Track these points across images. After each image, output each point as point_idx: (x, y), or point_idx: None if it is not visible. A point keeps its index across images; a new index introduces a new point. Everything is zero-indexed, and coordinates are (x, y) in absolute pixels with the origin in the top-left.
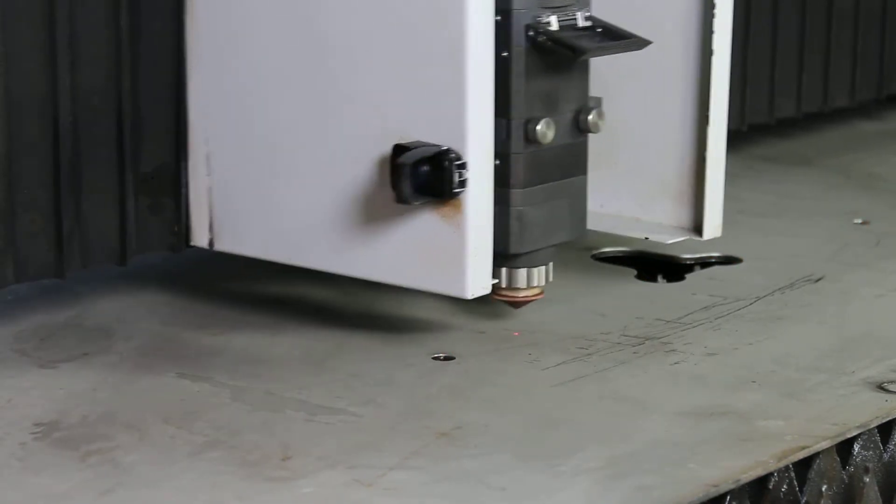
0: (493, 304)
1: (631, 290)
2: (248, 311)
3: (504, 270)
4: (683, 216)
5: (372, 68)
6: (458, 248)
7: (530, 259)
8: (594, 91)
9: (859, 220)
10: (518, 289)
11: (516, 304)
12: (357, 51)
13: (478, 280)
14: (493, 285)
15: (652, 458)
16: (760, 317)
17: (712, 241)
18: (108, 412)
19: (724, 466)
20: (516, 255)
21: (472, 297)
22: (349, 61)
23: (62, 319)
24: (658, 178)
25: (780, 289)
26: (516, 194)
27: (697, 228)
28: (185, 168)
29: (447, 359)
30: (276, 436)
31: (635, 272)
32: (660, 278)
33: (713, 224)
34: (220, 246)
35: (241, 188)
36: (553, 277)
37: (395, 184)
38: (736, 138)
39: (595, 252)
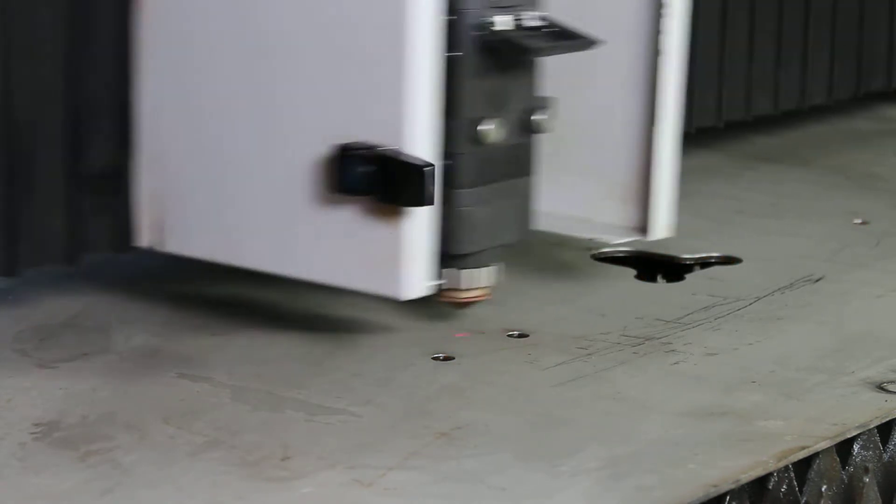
0: (494, 304)
1: (631, 290)
2: (248, 310)
3: (448, 271)
4: (633, 216)
5: (312, 68)
6: (395, 249)
7: (475, 260)
8: (545, 92)
9: (859, 220)
10: (461, 290)
11: (460, 306)
12: (296, 50)
13: (415, 281)
14: (438, 286)
15: (652, 458)
16: (760, 317)
17: (712, 241)
18: (107, 412)
19: (724, 466)
20: (461, 256)
21: (408, 300)
22: (289, 61)
23: (62, 319)
24: (608, 179)
25: (779, 289)
26: (462, 194)
27: (646, 229)
28: (133, 169)
29: (447, 359)
30: (275, 436)
31: (635, 272)
32: (660, 278)
33: (661, 224)
34: (168, 247)
35: (188, 189)
36: (499, 277)
37: (332, 172)
38: (736, 138)
39: (595, 252)
